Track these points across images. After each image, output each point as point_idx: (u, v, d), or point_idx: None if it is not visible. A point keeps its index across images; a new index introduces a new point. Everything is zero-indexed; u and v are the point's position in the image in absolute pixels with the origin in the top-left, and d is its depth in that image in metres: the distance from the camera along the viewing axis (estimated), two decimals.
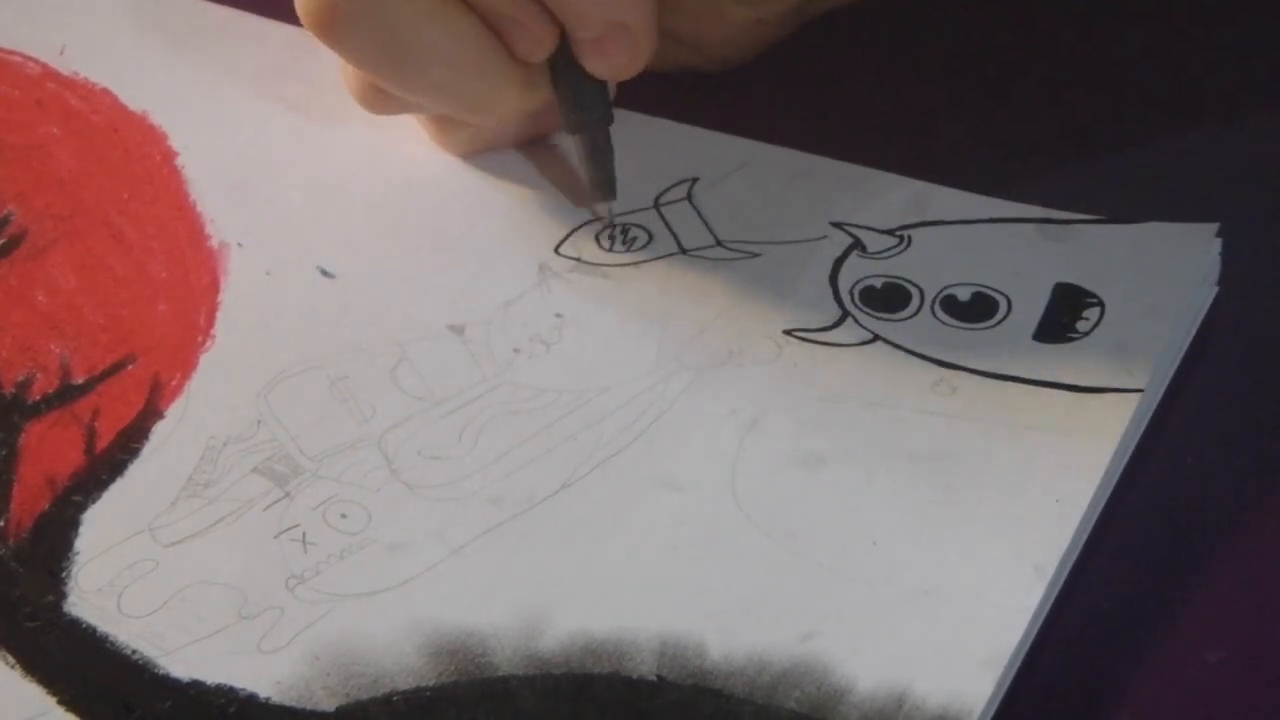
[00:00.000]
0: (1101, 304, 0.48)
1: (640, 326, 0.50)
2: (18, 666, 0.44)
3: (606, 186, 0.51)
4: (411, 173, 0.54)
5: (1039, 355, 0.48)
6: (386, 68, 0.49)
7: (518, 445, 0.47)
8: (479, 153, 0.54)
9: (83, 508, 0.47)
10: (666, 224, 0.52)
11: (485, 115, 0.51)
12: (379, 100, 0.51)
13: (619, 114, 0.52)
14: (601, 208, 0.52)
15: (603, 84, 0.50)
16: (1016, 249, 0.50)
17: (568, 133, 0.51)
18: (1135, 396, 0.46)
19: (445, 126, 0.53)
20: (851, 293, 0.50)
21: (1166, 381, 0.47)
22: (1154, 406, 0.47)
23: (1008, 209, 0.51)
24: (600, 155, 0.51)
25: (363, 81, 0.50)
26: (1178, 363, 0.48)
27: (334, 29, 0.47)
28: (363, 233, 0.53)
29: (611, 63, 0.49)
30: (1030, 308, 0.49)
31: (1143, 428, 0.47)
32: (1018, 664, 0.42)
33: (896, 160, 0.53)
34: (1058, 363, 0.47)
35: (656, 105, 0.55)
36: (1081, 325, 0.48)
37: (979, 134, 0.55)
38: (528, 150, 0.54)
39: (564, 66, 0.49)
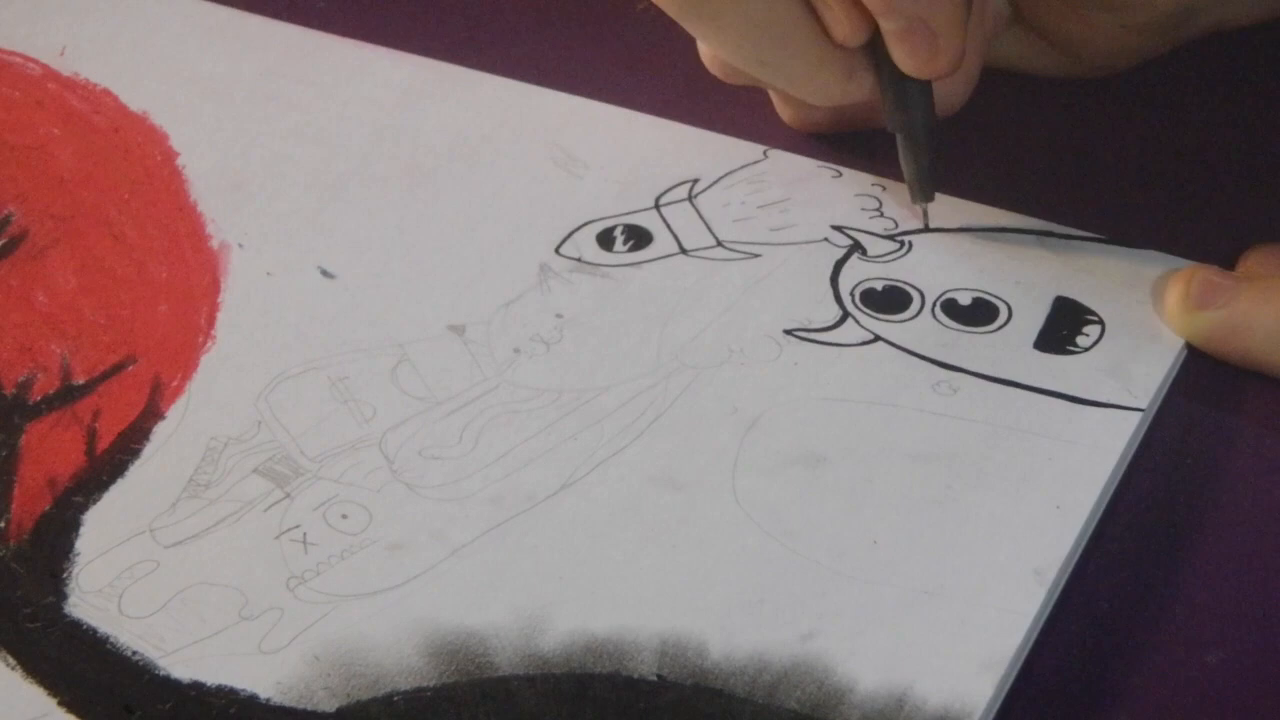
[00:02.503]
0: (1103, 323, 0.48)
1: (641, 326, 0.50)
2: (19, 668, 0.44)
3: (925, 187, 0.51)
4: (412, 173, 0.54)
5: (1040, 363, 0.48)
6: (725, 44, 0.49)
7: (518, 445, 0.47)
8: (820, 131, 0.54)
9: (83, 509, 0.47)
10: (667, 224, 0.52)
11: (811, 95, 0.51)
12: (725, 72, 0.52)
13: (620, 114, 0.52)
14: (919, 208, 0.51)
15: (925, 83, 0.50)
16: (1017, 259, 0.50)
17: (889, 129, 0.51)
18: (1136, 415, 0.46)
19: (788, 99, 0.53)
20: (852, 294, 0.50)
21: (1164, 396, 0.47)
22: (1153, 417, 0.47)
23: (1009, 219, 0.51)
24: (919, 156, 0.50)
25: (712, 58, 0.51)
26: (1175, 381, 0.48)
27: (691, 11, 0.48)
28: (363, 233, 0.53)
29: (914, 58, 0.48)
30: (1031, 317, 0.49)
31: (1143, 433, 0.47)
32: (1018, 666, 0.42)
33: (897, 166, 0.53)
34: (1059, 372, 0.47)
35: (658, 106, 0.55)
36: (1082, 340, 0.48)
37: (980, 144, 0.55)
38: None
39: (884, 60, 0.49)
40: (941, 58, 0.48)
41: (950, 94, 0.52)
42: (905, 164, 0.51)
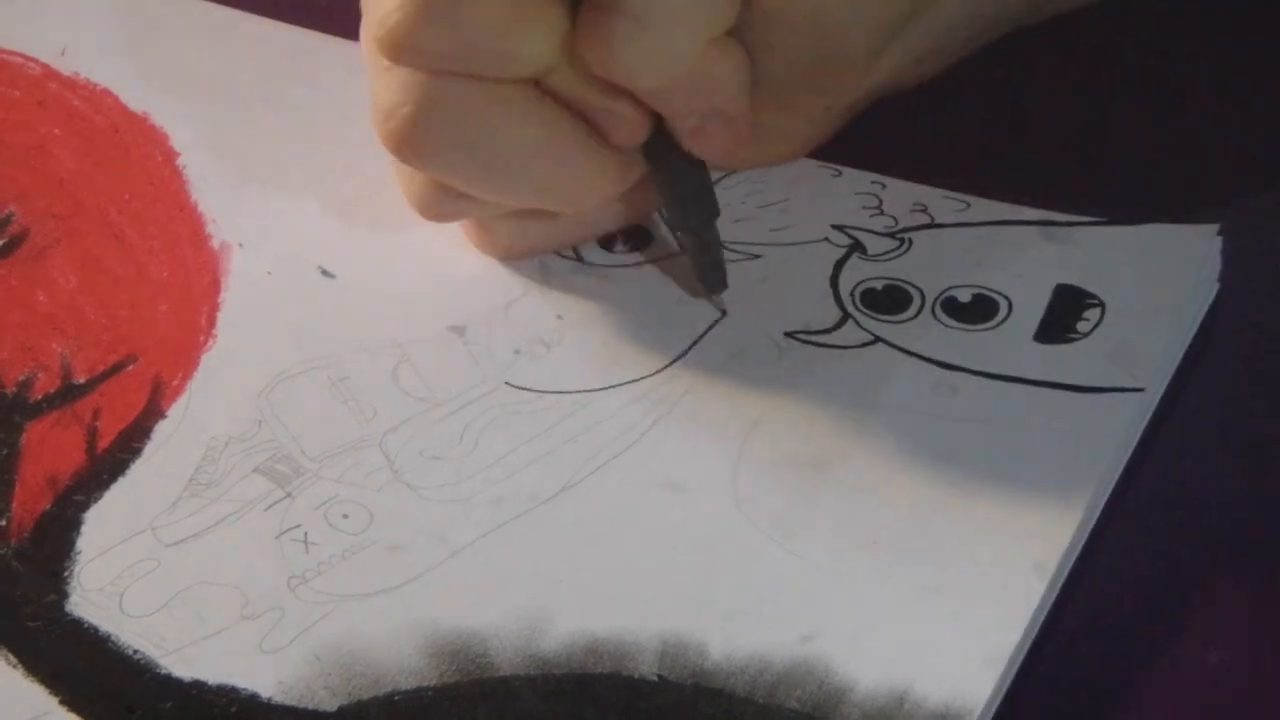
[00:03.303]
0: (1102, 305, 0.48)
1: (641, 328, 0.50)
2: (19, 666, 0.44)
3: (716, 279, 0.49)
4: None
5: (1040, 356, 0.48)
6: (479, 175, 0.47)
7: (519, 446, 0.47)
8: (521, 256, 0.51)
9: (84, 507, 0.47)
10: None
11: (572, 204, 0.49)
12: (446, 208, 0.49)
13: None
14: (715, 299, 0.50)
15: (705, 175, 0.48)
16: (1017, 251, 0.50)
17: (672, 229, 0.50)
18: (1136, 396, 0.46)
19: (489, 227, 0.51)
20: (852, 295, 0.50)
21: (1167, 380, 0.47)
22: (1155, 405, 0.47)
23: (1008, 212, 0.51)
24: (708, 248, 0.49)
25: (429, 192, 0.48)
26: (1179, 361, 0.48)
27: (423, 152, 0.46)
28: (364, 233, 0.53)
29: (714, 148, 0.47)
30: (1031, 309, 0.49)
31: (1144, 427, 0.47)
32: (1018, 663, 0.42)
33: (897, 163, 0.53)
34: (1058, 363, 0.47)
35: None
36: (1082, 326, 0.48)
37: (979, 137, 0.55)
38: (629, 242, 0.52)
39: (662, 156, 0.48)
40: (740, 141, 0.48)
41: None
42: (692, 256, 0.49)
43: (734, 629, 0.43)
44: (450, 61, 0.45)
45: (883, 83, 0.51)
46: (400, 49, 0.45)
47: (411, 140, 0.46)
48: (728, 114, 0.47)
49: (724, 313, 0.50)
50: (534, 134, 0.46)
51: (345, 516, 0.46)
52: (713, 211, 0.49)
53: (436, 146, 0.46)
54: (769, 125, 0.50)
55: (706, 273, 0.50)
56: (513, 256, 0.51)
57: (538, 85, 0.46)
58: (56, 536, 0.46)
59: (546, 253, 0.51)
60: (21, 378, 0.50)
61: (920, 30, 0.50)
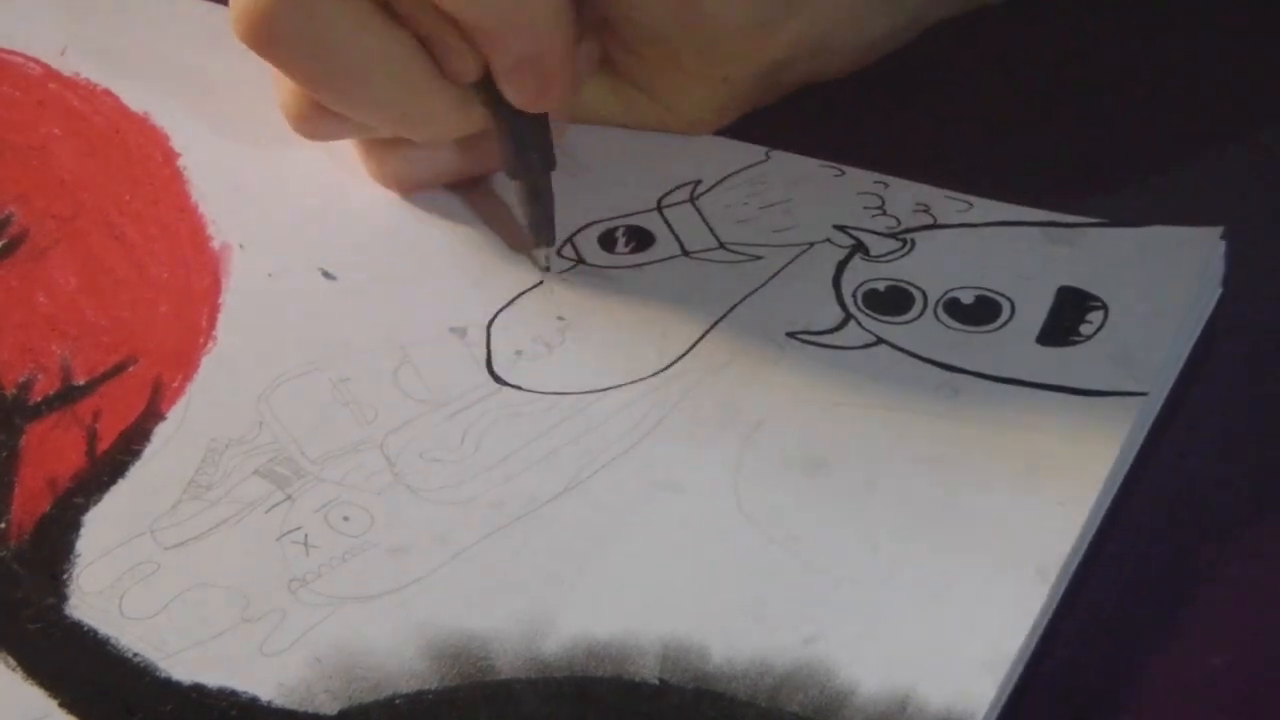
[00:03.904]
0: (1105, 307, 0.48)
1: (642, 329, 0.49)
2: (19, 669, 0.44)
3: (545, 230, 0.50)
4: None
5: (1042, 358, 0.48)
6: (323, 80, 0.48)
7: (520, 448, 0.47)
8: (413, 189, 0.53)
9: (84, 510, 0.47)
10: (669, 226, 0.52)
11: (423, 132, 0.51)
12: (316, 122, 0.50)
13: None
14: (539, 253, 0.51)
15: (543, 125, 0.49)
16: (1020, 253, 0.50)
17: (508, 176, 0.50)
18: (1139, 400, 0.46)
19: (379, 156, 0.53)
20: (855, 295, 0.50)
21: (1170, 384, 0.47)
22: (1158, 409, 0.47)
23: (1011, 213, 0.51)
24: (540, 198, 0.50)
25: (299, 103, 0.50)
26: (1182, 365, 0.48)
27: (269, 41, 0.47)
28: (364, 235, 0.53)
29: (523, 93, 0.48)
30: (1033, 311, 0.49)
31: (1146, 430, 0.47)
32: (1021, 667, 0.42)
33: (899, 163, 0.53)
34: (1061, 366, 0.47)
35: None
36: (1085, 329, 0.48)
37: (982, 137, 0.55)
38: (463, 192, 0.53)
39: (498, 100, 0.49)
40: (552, 92, 0.48)
41: None
42: (524, 206, 0.50)
43: (735, 632, 0.43)
44: None
45: (797, 59, 0.51)
46: None
47: (259, 30, 0.47)
48: (540, 59, 0.48)
49: (547, 269, 0.50)
50: (373, 46, 0.47)
51: (346, 519, 0.46)
52: (548, 163, 0.50)
53: (282, 42, 0.47)
54: (668, 90, 0.52)
55: (535, 223, 0.50)
56: (402, 188, 0.53)
57: (388, 4, 0.47)
58: (56, 539, 0.46)
59: (433, 187, 0.52)
60: (21, 379, 0.50)
61: (825, 5, 0.50)
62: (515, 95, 0.48)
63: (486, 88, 0.49)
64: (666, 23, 0.50)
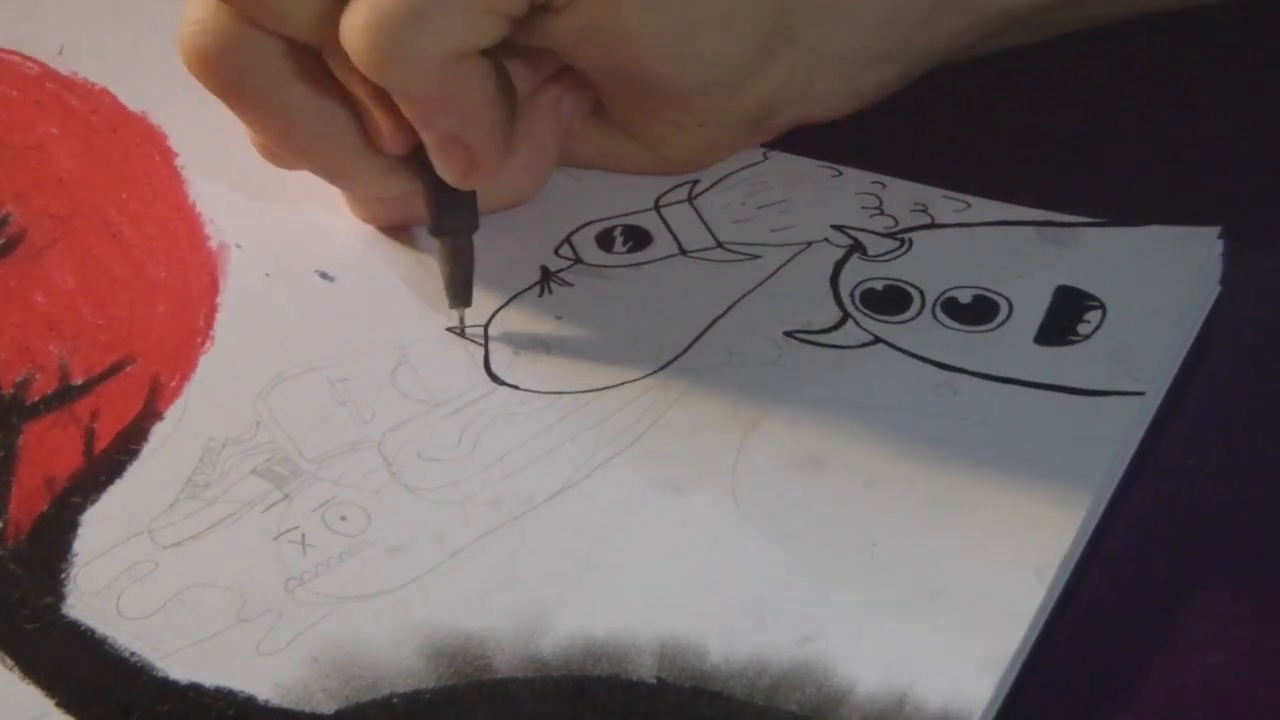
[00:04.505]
0: (1103, 307, 0.48)
1: (640, 328, 0.49)
2: (16, 668, 0.44)
3: (461, 293, 0.50)
4: None
5: (1040, 358, 0.48)
6: (255, 121, 0.49)
7: (517, 447, 0.47)
8: (385, 226, 0.53)
9: (81, 509, 0.47)
10: (667, 225, 0.52)
11: (352, 189, 0.51)
12: (274, 155, 0.50)
13: None
14: (456, 313, 0.50)
15: (470, 193, 0.49)
16: (1018, 252, 0.50)
17: (430, 233, 0.50)
18: (1136, 399, 0.46)
19: (349, 194, 0.52)
20: (852, 295, 0.50)
21: (1168, 383, 0.47)
22: (1155, 408, 0.47)
23: (1009, 212, 0.51)
24: (460, 260, 0.50)
25: (262, 142, 0.50)
26: (1179, 364, 0.48)
27: (203, 67, 0.47)
28: (362, 235, 0.53)
29: (451, 171, 0.48)
30: (1031, 311, 0.49)
31: (1144, 429, 0.47)
32: (1019, 666, 0.42)
33: (897, 163, 0.53)
34: (1059, 365, 0.47)
35: None
36: (1083, 328, 0.48)
37: (980, 137, 0.55)
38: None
39: (425, 164, 0.48)
40: (478, 170, 0.48)
41: (516, 188, 0.52)
42: (444, 267, 0.50)
43: (733, 631, 0.43)
44: None
45: (782, 107, 0.51)
46: None
47: (195, 56, 0.47)
48: (466, 139, 0.47)
49: (462, 329, 0.50)
50: (303, 102, 0.48)
51: (343, 518, 0.46)
52: (470, 225, 0.50)
53: (215, 71, 0.47)
54: (654, 137, 0.52)
55: (451, 285, 0.50)
56: (374, 222, 0.53)
57: (323, 60, 0.47)
58: (53, 538, 0.46)
59: (406, 226, 0.52)
60: (19, 379, 0.50)
61: (807, 57, 0.50)
62: (443, 171, 0.48)
63: (415, 155, 0.49)
64: (632, 83, 0.50)
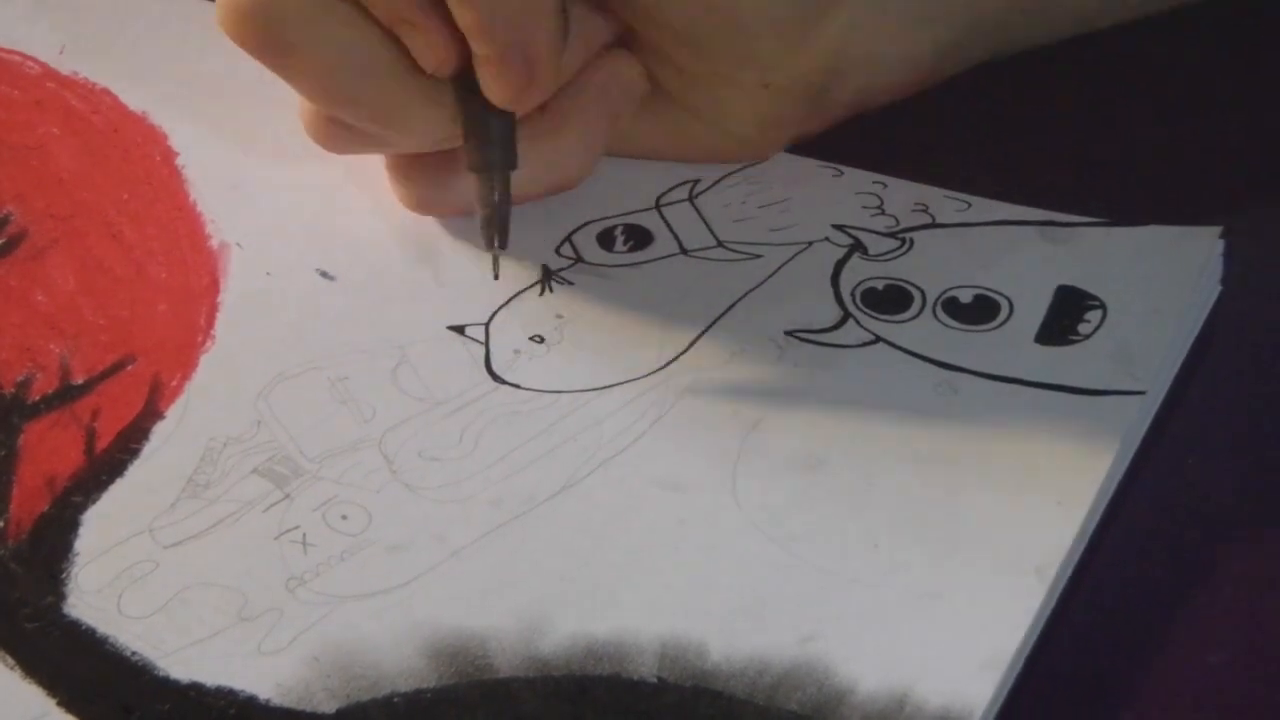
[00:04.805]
0: (1104, 307, 0.48)
1: (641, 327, 0.49)
2: (17, 668, 0.44)
3: (498, 234, 0.49)
4: None
5: (1041, 357, 0.48)
6: (297, 74, 0.48)
7: (518, 446, 0.47)
8: (435, 214, 0.52)
9: (82, 509, 0.47)
10: (668, 224, 0.52)
11: (397, 130, 0.50)
12: (327, 133, 0.50)
13: None
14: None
15: (509, 123, 0.49)
16: (1018, 252, 0.50)
17: (468, 169, 0.49)
18: (1137, 399, 0.46)
19: (402, 179, 0.52)
20: (853, 294, 0.50)
21: (1169, 383, 0.47)
22: (1156, 408, 0.47)
23: (1010, 212, 0.51)
24: (499, 198, 0.49)
25: (314, 113, 0.50)
26: (1180, 364, 0.48)
27: (246, 30, 0.47)
28: (363, 234, 0.53)
29: (505, 86, 0.47)
30: (1032, 310, 0.49)
31: (1145, 429, 0.47)
32: (1019, 666, 0.42)
33: (898, 163, 0.53)
34: (1059, 365, 0.47)
35: None
36: (1083, 328, 0.48)
37: (981, 137, 0.55)
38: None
39: (468, 95, 0.48)
40: (536, 89, 0.47)
41: (564, 169, 0.51)
42: (481, 207, 0.49)
43: (734, 630, 0.43)
44: None
45: (841, 73, 0.51)
46: None
47: (235, 15, 0.47)
48: (528, 51, 0.47)
49: (496, 276, 0.50)
50: (342, 36, 0.47)
51: (344, 517, 0.46)
52: (510, 161, 0.49)
53: (256, 26, 0.47)
54: (712, 105, 0.51)
55: (487, 225, 0.49)
56: (423, 211, 0.52)
57: (361, 6, 0.47)
58: (54, 538, 0.46)
59: (455, 213, 0.52)
60: (20, 378, 0.50)
61: (862, 10, 0.50)
62: (495, 88, 0.48)
63: (461, 81, 0.48)
64: (698, 23, 0.49)
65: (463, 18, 0.46)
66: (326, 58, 0.47)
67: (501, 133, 0.49)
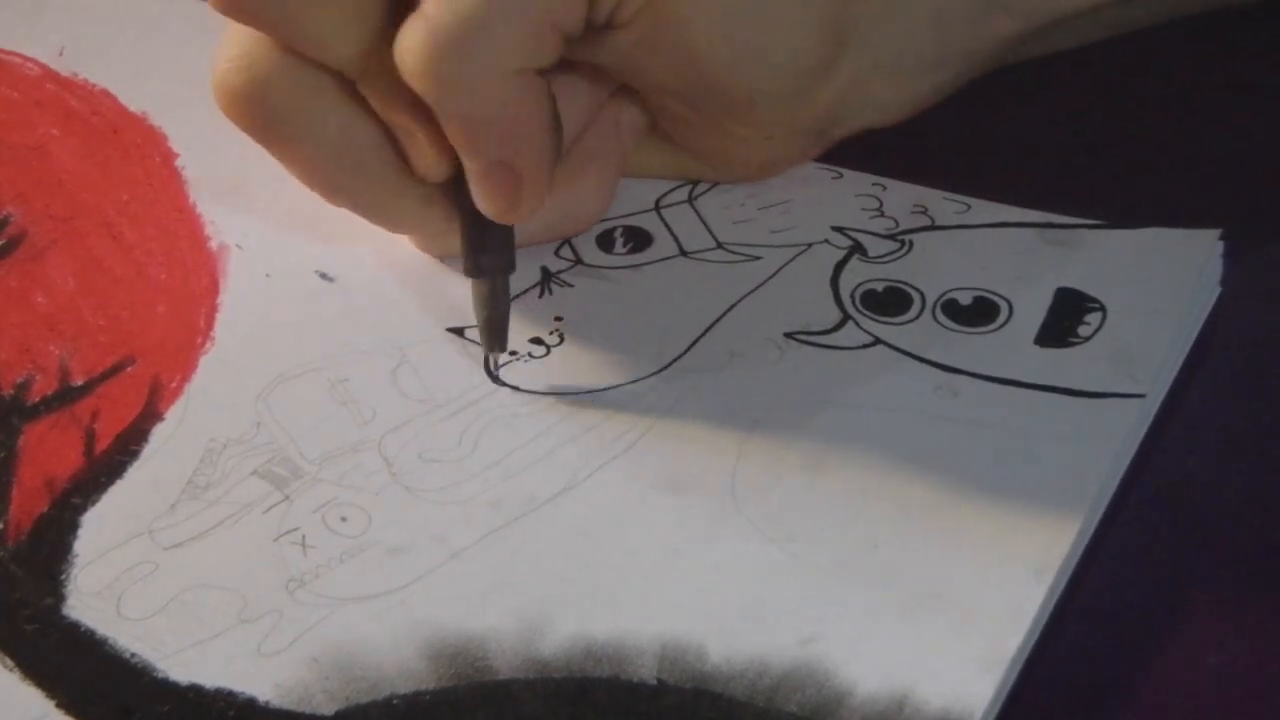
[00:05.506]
0: (1103, 309, 0.48)
1: (641, 329, 0.49)
2: (17, 669, 0.44)
3: (496, 336, 0.49)
4: None
5: (1040, 359, 0.48)
6: (291, 160, 0.48)
7: (518, 448, 0.47)
8: (441, 255, 0.52)
9: (82, 510, 0.47)
10: (667, 226, 0.52)
11: (387, 224, 0.50)
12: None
13: None
14: (489, 358, 0.49)
15: (507, 229, 0.48)
16: (1018, 254, 0.50)
17: (464, 273, 0.49)
18: (1137, 401, 0.46)
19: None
20: (853, 296, 0.50)
21: (1168, 385, 0.47)
22: (1155, 410, 0.47)
23: (1009, 214, 0.51)
24: (496, 303, 0.48)
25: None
26: (1180, 366, 0.48)
27: (235, 106, 0.47)
28: (362, 236, 0.53)
29: (495, 202, 0.46)
30: (1032, 312, 0.49)
31: (1144, 431, 0.47)
32: (1019, 667, 0.42)
33: (898, 164, 0.53)
34: (1059, 367, 0.47)
35: None
36: (1083, 330, 0.48)
37: (981, 138, 0.55)
38: None
39: (464, 201, 0.47)
40: (523, 204, 0.46)
41: (587, 210, 0.51)
42: (478, 310, 0.48)
43: (733, 632, 0.43)
44: (269, 26, 0.46)
45: (843, 116, 0.51)
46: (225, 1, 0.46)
47: (230, 94, 0.46)
48: (517, 164, 0.46)
49: (499, 383, 0.49)
50: (337, 131, 0.47)
51: (344, 519, 0.46)
52: (507, 265, 0.48)
53: (251, 108, 0.47)
54: (715, 153, 0.51)
55: (486, 329, 0.48)
56: (430, 252, 0.52)
57: (359, 90, 0.46)
58: (54, 539, 0.46)
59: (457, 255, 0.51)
60: (19, 380, 0.50)
61: (868, 60, 0.49)
62: (484, 202, 0.47)
63: (454, 187, 0.47)
64: (700, 95, 0.49)
65: (451, 132, 0.45)
66: (320, 151, 0.47)
67: (498, 238, 0.48)
